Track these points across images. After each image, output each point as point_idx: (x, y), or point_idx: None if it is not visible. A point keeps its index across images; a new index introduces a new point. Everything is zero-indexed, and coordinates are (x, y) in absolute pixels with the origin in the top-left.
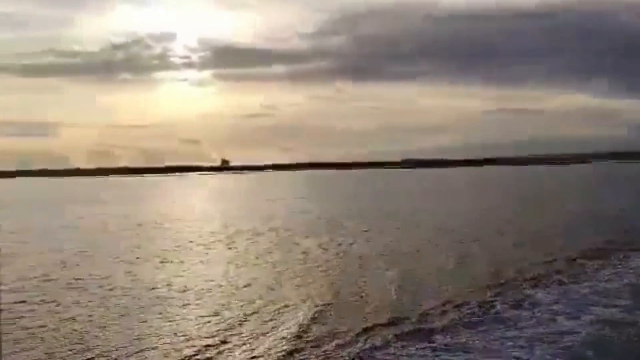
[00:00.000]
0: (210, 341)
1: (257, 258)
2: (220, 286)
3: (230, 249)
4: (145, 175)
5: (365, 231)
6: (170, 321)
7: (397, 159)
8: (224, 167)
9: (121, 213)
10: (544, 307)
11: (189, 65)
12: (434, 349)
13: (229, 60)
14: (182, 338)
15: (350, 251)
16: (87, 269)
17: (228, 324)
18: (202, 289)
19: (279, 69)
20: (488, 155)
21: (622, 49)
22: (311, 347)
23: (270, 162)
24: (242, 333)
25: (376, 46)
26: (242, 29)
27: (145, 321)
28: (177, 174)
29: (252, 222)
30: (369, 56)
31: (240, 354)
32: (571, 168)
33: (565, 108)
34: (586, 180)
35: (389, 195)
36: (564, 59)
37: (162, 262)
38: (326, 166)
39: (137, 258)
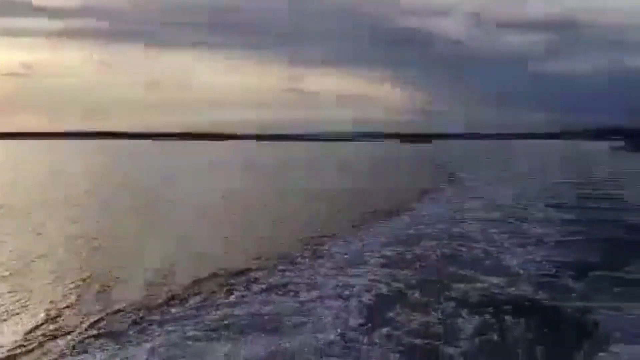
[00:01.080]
0: None
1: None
2: None
3: None
4: None
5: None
6: None
7: (178, 130)
8: None
9: None
10: (339, 255)
11: None
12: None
13: None
14: None
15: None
16: None
17: None
18: None
19: (40, 23)
20: (272, 132)
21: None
22: None
23: (27, 130)
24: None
25: (158, 11)
26: None
27: None
28: None
29: None
30: (149, 21)
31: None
32: (341, 145)
33: (343, 91)
34: (351, 158)
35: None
36: (346, 45)
37: None
38: (92, 135)
39: None
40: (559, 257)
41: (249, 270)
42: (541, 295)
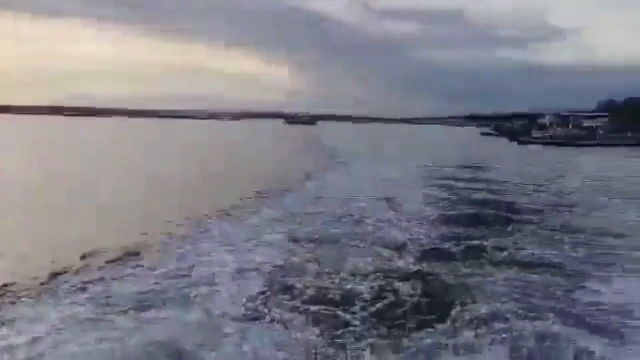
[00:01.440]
0: None
1: None
2: None
3: None
4: None
5: None
6: None
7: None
8: None
9: None
10: (232, 232)
11: None
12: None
13: None
14: None
15: None
16: None
17: None
18: None
19: None
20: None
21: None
22: None
23: None
24: None
25: None
26: None
27: None
28: None
29: None
30: None
31: None
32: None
33: (228, 70)
34: (235, 137)
35: None
36: (235, 24)
37: None
38: None
39: None
40: (439, 231)
41: (139, 245)
42: (424, 264)
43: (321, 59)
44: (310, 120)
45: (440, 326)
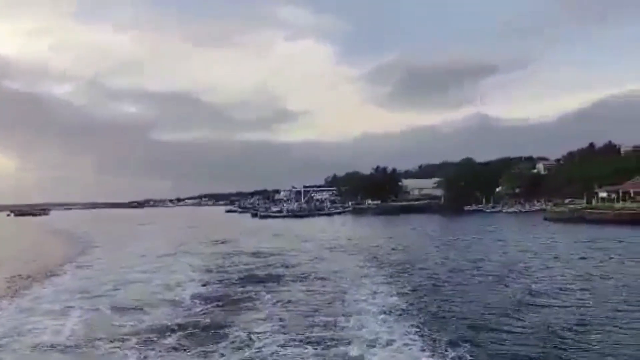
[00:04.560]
0: None
1: None
2: None
3: None
4: None
5: None
6: None
7: None
8: None
9: None
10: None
11: None
12: None
13: None
14: None
15: None
16: None
17: None
18: None
19: None
20: None
21: None
22: None
23: None
24: None
25: None
26: None
27: None
28: None
29: None
30: None
31: None
32: None
33: None
34: None
35: None
36: None
37: None
38: None
39: None
40: (206, 292)
41: None
42: (199, 312)
43: (48, 143)
44: (41, 210)
45: None
